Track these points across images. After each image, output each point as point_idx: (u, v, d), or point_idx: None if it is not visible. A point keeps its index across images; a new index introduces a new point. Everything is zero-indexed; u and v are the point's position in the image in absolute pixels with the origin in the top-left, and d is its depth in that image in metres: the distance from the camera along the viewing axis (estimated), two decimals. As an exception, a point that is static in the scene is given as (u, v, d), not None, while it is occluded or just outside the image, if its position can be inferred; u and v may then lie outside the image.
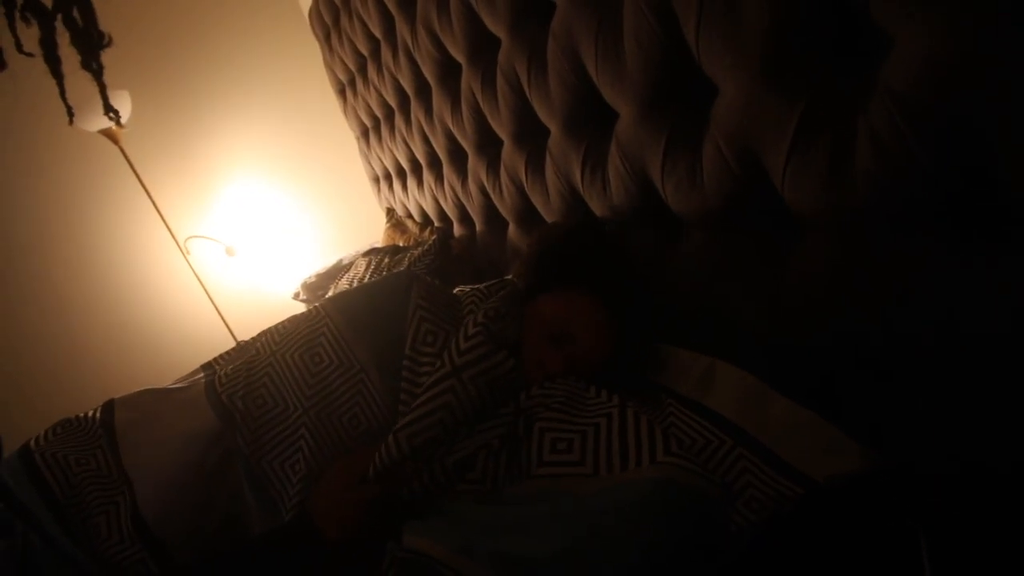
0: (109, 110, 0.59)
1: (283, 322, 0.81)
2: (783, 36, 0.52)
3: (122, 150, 2.28)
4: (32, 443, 0.72)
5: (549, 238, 0.85)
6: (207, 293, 2.52)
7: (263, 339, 0.80)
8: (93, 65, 0.56)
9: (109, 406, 0.77)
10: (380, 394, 0.70)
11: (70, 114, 0.56)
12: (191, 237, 2.54)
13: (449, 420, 0.63)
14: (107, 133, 2.23)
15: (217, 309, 2.55)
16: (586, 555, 0.46)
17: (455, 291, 0.88)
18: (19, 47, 0.55)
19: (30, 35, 0.56)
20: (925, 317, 0.49)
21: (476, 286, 0.87)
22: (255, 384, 0.72)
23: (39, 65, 0.58)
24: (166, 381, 0.84)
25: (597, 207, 0.89)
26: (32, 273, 2.34)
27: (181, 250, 2.49)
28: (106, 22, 0.66)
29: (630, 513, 0.49)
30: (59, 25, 0.55)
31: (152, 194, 2.37)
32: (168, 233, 2.42)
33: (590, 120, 0.84)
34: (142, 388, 0.81)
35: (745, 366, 0.63)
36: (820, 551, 0.51)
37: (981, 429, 0.49)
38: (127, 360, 2.45)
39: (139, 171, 2.32)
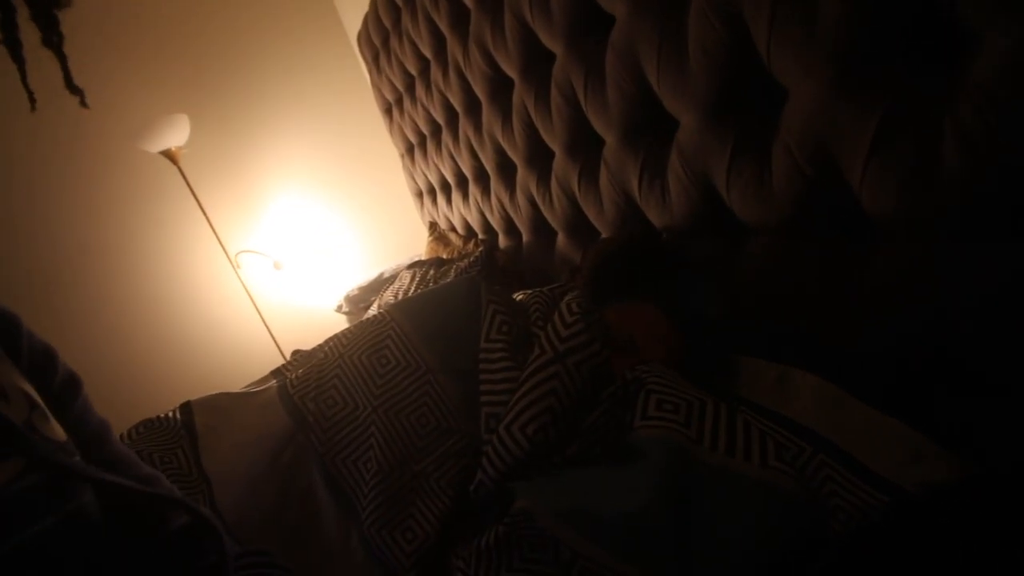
0: (72, 88, 0.57)
1: (349, 328, 0.84)
2: (860, 39, 0.52)
3: (180, 169, 2.40)
4: None
5: (604, 255, 0.85)
6: (255, 306, 2.61)
7: (330, 344, 0.82)
8: (54, 39, 0.54)
9: (187, 408, 0.81)
10: (446, 393, 0.71)
11: (32, 100, 0.54)
12: (241, 252, 2.64)
13: (557, 407, 0.62)
14: (167, 153, 2.36)
15: (264, 321, 2.63)
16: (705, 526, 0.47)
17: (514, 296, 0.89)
18: None
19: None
20: (998, 326, 0.48)
21: (538, 289, 0.88)
22: (325, 386, 0.74)
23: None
24: (216, 389, 0.87)
25: (654, 216, 0.89)
26: (92, 283, 2.47)
27: (232, 264, 2.59)
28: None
29: (749, 505, 0.49)
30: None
31: (206, 210, 2.49)
32: (220, 248, 2.53)
33: (649, 129, 0.85)
34: (216, 392, 0.85)
35: (818, 373, 0.62)
36: (910, 566, 0.49)
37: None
38: (178, 369, 2.54)
39: (195, 189, 2.44)
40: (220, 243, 2.53)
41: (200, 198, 2.47)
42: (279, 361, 2.67)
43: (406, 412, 0.70)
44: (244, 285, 2.60)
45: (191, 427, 0.77)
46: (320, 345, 0.85)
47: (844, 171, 0.57)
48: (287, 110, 2.65)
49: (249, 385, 0.89)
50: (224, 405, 0.80)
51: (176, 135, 2.33)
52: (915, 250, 0.55)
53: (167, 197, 2.51)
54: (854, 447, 0.55)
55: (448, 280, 1.11)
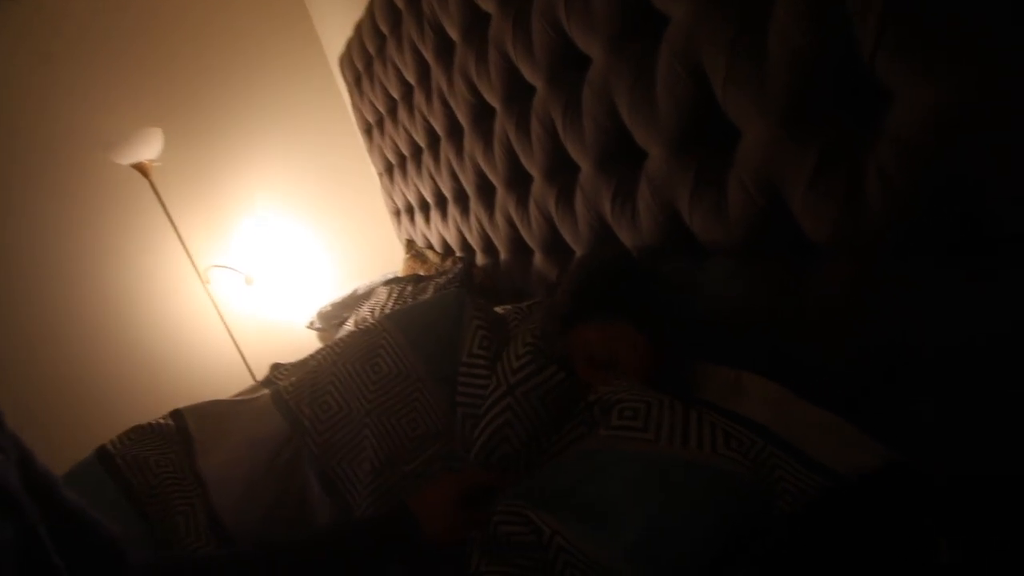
0: None
1: (342, 338, 0.89)
2: (800, 89, 0.62)
3: (151, 183, 2.39)
4: (109, 446, 0.77)
5: (584, 272, 0.90)
6: (223, 321, 2.58)
7: (323, 353, 0.86)
8: None
9: (178, 414, 0.83)
10: (435, 400, 0.77)
11: None
12: (211, 266, 2.62)
13: (514, 436, 0.68)
14: (139, 167, 2.34)
15: (232, 336, 2.60)
16: (666, 521, 0.53)
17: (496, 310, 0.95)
18: None
19: None
20: (928, 331, 0.57)
21: (516, 304, 0.94)
22: (320, 392, 0.78)
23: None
24: (183, 403, 0.88)
25: (625, 236, 0.98)
26: (58, 296, 2.40)
27: (201, 278, 2.56)
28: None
29: (687, 487, 0.55)
30: None
31: (177, 225, 2.47)
32: (189, 262, 2.51)
33: (621, 158, 0.94)
34: (205, 400, 0.88)
35: (769, 377, 0.71)
36: (846, 540, 0.57)
37: (983, 435, 0.56)
38: (144, 384, 2.48)
39: (166, 203, 2.43)
40: (189, 257, 2.51)
41: (171, 212, 2.45)
42: (246, 376, 2.64)
43: (398, 416, 0.74)
44: (213, 300, 2.58)
45: (185, 431, 0.80)
46: (312, 355, 0.89)
47: (788, 200, 0.67)
48: (263, 127, 2.67)
49: (238, 394, 0.91)
50: (217, 411, 0.83)
51: (149, 148, 2.32)
52: (849, 269, 0.65)
53: (137, 210, 2.48)
54: (798, 439, 0.63)
55: (433, 295, 1.16)
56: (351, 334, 0.87)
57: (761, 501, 0.57)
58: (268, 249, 2.75)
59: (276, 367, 1.01)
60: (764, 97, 0.65)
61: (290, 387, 0.80)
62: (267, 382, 0.91)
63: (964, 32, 0.46)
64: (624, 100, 0.86)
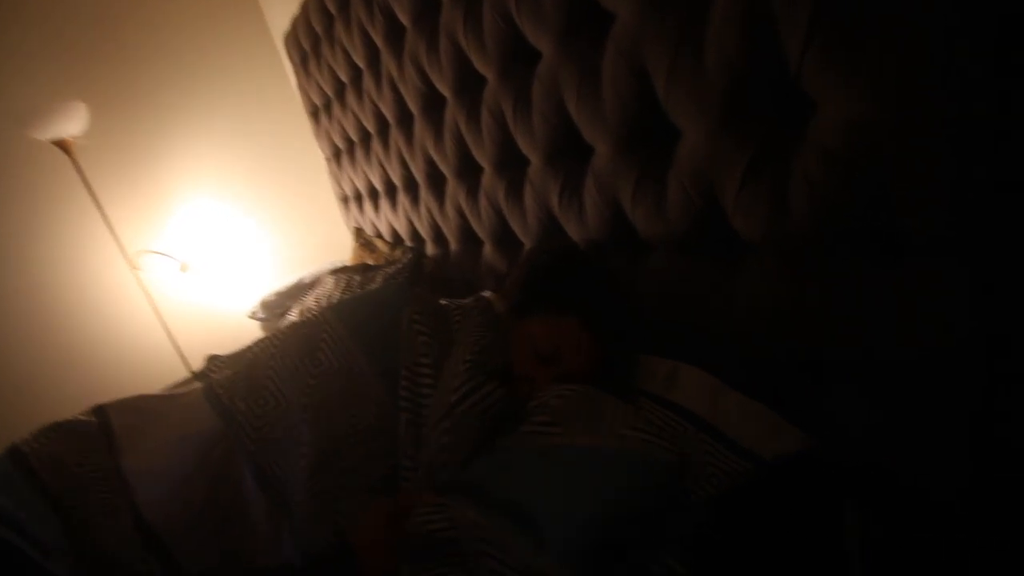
0: None
1: (281, 329, 0.86)
2: (736, 94, 0.65)
3: (75, 161, 2.21)
4: (23, 445, 0.72)
5: (534, 263, 0.91)
6: (155, 309, 2.44)
7: (261, 345, 0.84)
8: None
9: (102, 410, 0.78)
10: (377, 397, 0.76)
11: None
12: (142, 252, 2.46)
13: (451, 460, 0.69)
14: (61, 143, 2.17)
15: (165, 325, 2.46)
16: (562, 496, 0.55)
17: (441, 303, 0.95)
18: None
19: None
20: (847, 325, 0.62)
21: (458, 301, 0.94)
22: (256, 385, 0.76)
23: None
24: (113, 397, 0.84)
25: (572, 230, 1.00)
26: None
27: (130, 264, 2.41)
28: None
29: (589, 471, 0.58)
30: None
31: (104, 207, 2.30)
32: (118, 247, 2.35)
33: (569, 153, 0.95)
34: (131, 395, 0.83)
35: (702, 367, 0.75)
36: (767, 516, 0.62)
37: (895, 423, 0.61)
38: (71, 376, 2.31)
39: (92, 184, 2.26)
40: (118, 242, 2.35)
41: (98, 194, 2.29)
42: (181, 367, 2.51)
43: (338, 412, 0.73)
44: (144, 288, 2.43)
45: (108, 429, 0.75)
46: (248, 347, 0.86)
47: (722, 200, 0.70)
48: (201, 105, 2.53)
49: (168, 388, 0.87)
50: (144, 407, 0.79)
51: (72, 124, 2.15)
52: (776, 267, 0.69)
53: (59, 192, 2.29)
54: (725, 424, 0.67)
55: (380, 285, 1.14)
56: (291, 326, 0.85)
57: (676, 477, 0.60)
58: (206, 235, 2.61)
59: (212, 359, 0.97)
60: (703, 100, 0.68)
61: (224, 381, 0.77)
62: (200, 375, 0.88)
63: (884, 46, 0.49)
64: (572, 96, 0.87)
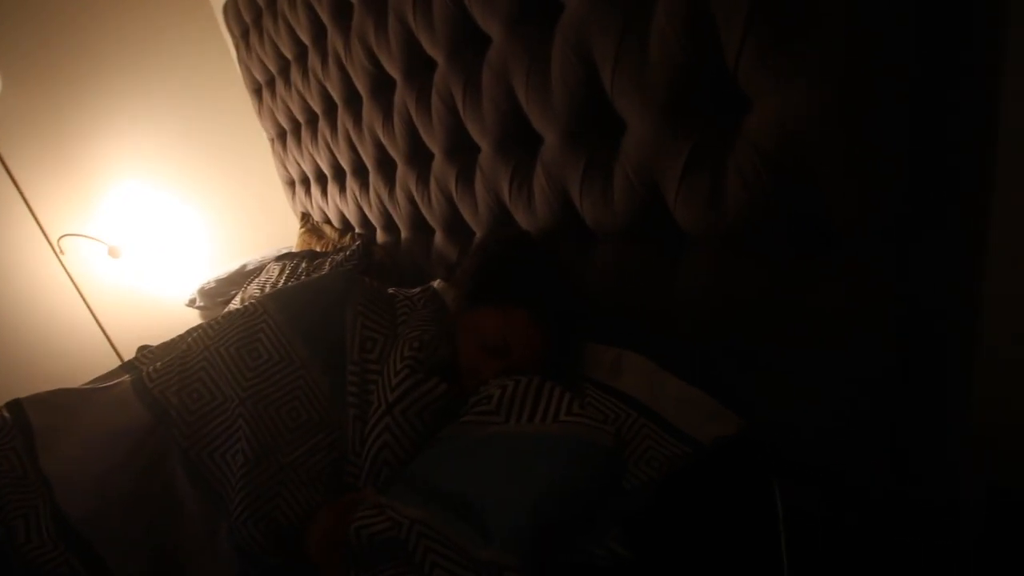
0: None
1: (216, 318, 0.82)
2: (679, 88, 0.67)
3: (-15, 133, 2.02)
4: None
5: (486, 253, 0.90)
6: (82, 297, 2.28)
7: (195, 335, 0.80)
8: None
9: (17, 406, 0.73)
10: (318, 388, 0.74)
11: None
12: (66, 235, 2.29)
13: (392, 459, 0.68)
14: (-33, 113, 1.97)
15: (93, 314, 2.31)
16: (502, 484, 0.56)
17: (389, 291, 0.93)
18: None
19: None
20: (781, 316, 0.65)
21: (406, 291, 0.93)
22: (190, 378, 0.73)
23: None
24: (37, 390, 0.79)
25: (522, 219, 1.00)
26: None
27: (53, 249, 2.24)
28: None
29: (530, 458, 0.59)
30: None
31: (21, 186, 2.12)
32: (39, 229, 2.17)
33: (519, 142, 0.95)
34: (52, 389, 0.78)
35: (646, 354, 0.77)
36: (705, 497, 0.64)
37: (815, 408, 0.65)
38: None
39: (6, 160, 2.07)
40: (38, 223, 2.18)
41: (13, 171, 2.10)
42: (112, 358, 2.36)
43: (276, 405, 0.71)
44: (69, 273, 2.26)
45: (25, 426, 0.70)
46: (182, 336, 0.82)
47: (664, 192, 0.72)
48: (132, 78, 2.35)
49: (93, 380, 0.82)
50: (66, 402, 0.74)
51: (-21, 91, 1.96)
52: (712, 259, 0.71)
53: (-36, 164, 2.09)
54: (666, 410, 0.69)
55: (321, 273, 1.10)
56: (227, 315, 0.81)
57: (616, 460, 0.62)
58: (139, 218, 2.45)
59: (143, 349, 0.91)
60: (647, 92, 0.69)
61: (154, 373, 0.73)
62: (128, 366, 0.82)
63: (817, 46, 0.51)
64: (521, 84, 0.87)
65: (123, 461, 0.67)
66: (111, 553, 0.63)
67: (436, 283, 1.06)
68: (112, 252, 2.39)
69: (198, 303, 2.19)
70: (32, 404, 0.74)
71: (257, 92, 2.06)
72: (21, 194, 2.12)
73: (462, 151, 1.10)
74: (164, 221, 2.51)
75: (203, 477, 0.68)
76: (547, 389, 0.68)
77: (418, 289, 0.94)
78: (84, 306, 2.30)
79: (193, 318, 2.35)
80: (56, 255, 2.25)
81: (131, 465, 0.67)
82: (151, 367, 0.75)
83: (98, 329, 2.34)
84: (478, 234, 1.15)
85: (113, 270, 2.41)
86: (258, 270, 1.95)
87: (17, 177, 2.11)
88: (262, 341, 0.75)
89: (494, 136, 0.99)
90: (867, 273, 0.55)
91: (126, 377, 0.76)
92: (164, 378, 0.72)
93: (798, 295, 0.61)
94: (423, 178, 1.24)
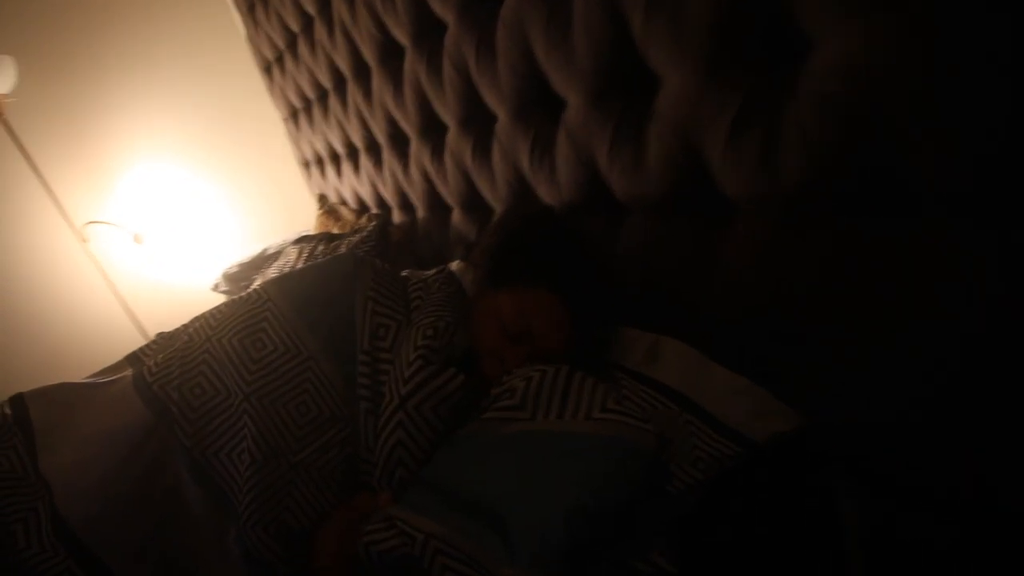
0: None
1: (219, 307, 0.77)
2: (723, 35, 0.57)
3: (6, 122, 2.02)
4: None
5: (506, 230, 0.82)
6: (109, 283, 2.30)
7: (196, 325, 0.75)
8: None
9: (19, 401, 0.70)
10: (328, 379, 0.68)
11: None
12: (91, 223, 2.30)
13: (407, 458, 0.62)
14: (-14, 103, 1.97)
15: (121, 300, 2.33)
16: (531, 491, 0.49)
17: (402, 273, 0.87)
18: None
19: None
20: (842, 295, 0.56)
21: (420, 274, 0.86)
22: (192, 372, 0.68)
23: None
24: (68, 378, 0.75)
25: (544, 193, 0.92)
26: None
27: (78, 237, 2.25)
28: None
29: (561, 461, 0.52)
30: None
31: (44, 174, 2.12)
32: (62, 218, 2.18)
33: (539, 107, 0.86)
34: (56, 382, 0.74)
35: (685, 340, 0.69)
36: (759, 503, 0.57)
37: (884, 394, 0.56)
38: (16, 359, 2.18)
39: (27, 148, 2.07)
40: (62, 211, 2.19)
41: (35, 159, 2.10)
42: (141, 343, 2.39)
43: (284, 399, 0.66)
44: (95, 261, 2.28)
45: (26, 424, 0.67)
46: (184, 327, 0.77)
47: (707, 155, 0.63)
48: (145, 59, 2.32)
49: (96, 374, 0.78)
50: (66, 398, 0.70)
51: (-2, 81, 1.95)
52: (764, 229, 0.62)
53: (-11, 157, 2.10)
54: (712, 403, 0.61)
55: (328, 257, 1.04)
56: (230, 303, 0.76)
57: (657, 463, 0.55)
58: (160, 203, 2.45)
59: (161, 336, 0.87)
60: (685, 41, 0.60)
61: (155, 367, 0.68)
62: (133, 359, 0.78)
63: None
64: (539, 39, 0.78)
65: (124, 462, 0.63)
66: (114, 558, 0.60)
67: (454, 264, 1.00)
68: (136, 239, 2.40)
69: (222, 288, 2.18)
70: (35, 399, 0.71)
71: (267, 70, 2.00)
72: (43, 182, 2.13)
73: (477, 120, 1.01)
74: (184, 206, 2.50)
75: (209, 478, 0.64)
76: (577, 380, 0.61)
77: (433, 271, 0.87)
78: (111, 292, 2.32)
79: (219, 303, 2.35)
80: (81, 242, 2.26)
81: (133, 466, 0.63)
82: (153, 360, 0.71)
83: (126, 316, 2.37)
84: (497, 211, 1.08)
85: (138, 256, 2.42)
86: (276, 254, 1.92)
87: (39, 166, 2.12)
88: (266, 331, 0.70)
89: (511, 102, 0.90)
90: (955, 242, 0.45)
91: (128, 371, 0.72)
92: (164, 373, 0.67)
93: (869, 267, 0.52)
94: (438, 152, 1.17)
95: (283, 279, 0.77)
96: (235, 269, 2.13)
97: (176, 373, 0.67)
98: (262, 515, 0.60)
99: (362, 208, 1.74)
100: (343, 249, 1.44)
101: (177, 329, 0.78)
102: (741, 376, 0.62)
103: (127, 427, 0.64)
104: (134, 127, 2.36)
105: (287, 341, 0.69)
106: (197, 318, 0.77)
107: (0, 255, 2.21)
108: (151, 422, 0.64)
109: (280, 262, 1.74)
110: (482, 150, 1.02)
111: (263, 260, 2.03)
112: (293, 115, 1.98)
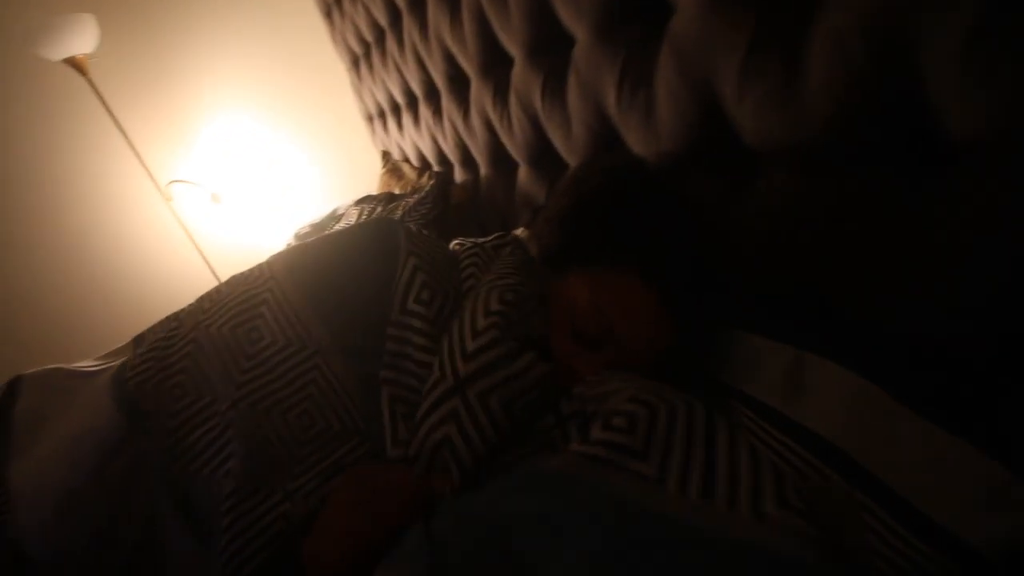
0: None
1: (224, 283, 0.63)
2: None
3: (91, 82, 2.05)
4: None
5: (581, 191, 0.59)
6: (194, 243, 2.35)
7: (191, 307, 0.61)
8: None
9: (13, 389, 0.60)
10: (340, 382, 0.52)
11: None
12: (173, 181, 2.34)
13: (458, 458, 0.45)
14: (72, 62, 2.00)
15: (205, 259, 2.38)
16: None
17: (451, 245, 0.68)
18: None
19: None
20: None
21: (475, 241, 0.67)
22: (172, 369, 0.54)
23: None
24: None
25: (635, 140, 0.68)
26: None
27: (164, 196, 2.30)
28: None
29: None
30: None
31: (127, 132, 2.16)
32: (147, 176, 2.23)
33: (633, 19, 0.62)
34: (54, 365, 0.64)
35: (846, 361, 0.45)
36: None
37: None
38: (104, 316, 2.30)
39: (111, 106, 2.10)
40: (148, 171, 2.23)
41: (118, 117, 2.13)
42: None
43: (281, 408, 0.50)
44: (180, 220, 2.33)
45: (7, 417, 0.57)
46: (184, 308, 0.64)
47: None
48: (218, 11, 2.26)
49: (105, 356, 0.68)
50: (55, 384, 0.60)
51: (82, 40, 1.96)
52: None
53: (77, 116, 2.16)
54: (903, 479, 0.38)
55: (351, 226, 0.84)
56: (231, 280, 0.61)
57: None
58: (236, 162, 2.44)
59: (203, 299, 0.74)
60: None
61: (138, 358, 0.56)
62: (138, 340, 0.67)
63: None
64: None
65: (92, 475, 0.51)
66: None
67: (519, 231, 0.80)
68: (214, 198, 2.43)
69: (294, 249, 2.14)
70: (31, 385, 0.61)
71: (328, 15, 1.85)
72: (129, 142, 2.17)
73: (550, 46, 0.78)
74: (260, 165, 2.48)
75: (193, 503, 0.51)
76: (724, 431, 0.39)
77: (492, 237, 0.67)
78: (195, 250, 2.37)
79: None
80: (166, 201, 2.31)
81: (102, 481, 0.51)
82: (143, 348, 0.58)
83: (210, 273, 2.42)
84: (571, 167, 0.86)
85: (216, 215, 2.45)
86: (341, 216, 1.83)
87: (122, 123, 2.15)
88: (264, 316, 0.55)
89: (595, 16, 0.66)
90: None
91: (117, 362, 0.61)
92: (143, 367, 0.55)
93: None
94: (501, 94, 0.95)
95: (293, 251, 0.61)
96: (307, 229, 2.07)
97: (154, 368, 0.54)
98: (241, 564, 0.46)
99: (424, 165, 1.58)
100: (400, 212, 1.29)
101: (177, 312, 0.65)
102: (947, 432, 0.38)
103: (97, 431, 0.52)
104: (208, 84, 2.34)
105: (288, 331, 0.54)
106: (201, 298, 0.63)
107: (92, 214, 2.31)
108: (123, 429, 0.52)
109: (342, 224, 1.63)
110: (554, 86, 0.79)
111: (330, 220, 1.94)
112: (355, 63, 1.83)
